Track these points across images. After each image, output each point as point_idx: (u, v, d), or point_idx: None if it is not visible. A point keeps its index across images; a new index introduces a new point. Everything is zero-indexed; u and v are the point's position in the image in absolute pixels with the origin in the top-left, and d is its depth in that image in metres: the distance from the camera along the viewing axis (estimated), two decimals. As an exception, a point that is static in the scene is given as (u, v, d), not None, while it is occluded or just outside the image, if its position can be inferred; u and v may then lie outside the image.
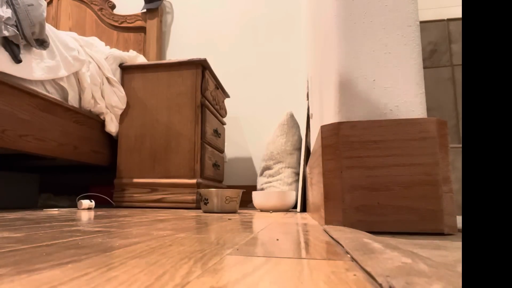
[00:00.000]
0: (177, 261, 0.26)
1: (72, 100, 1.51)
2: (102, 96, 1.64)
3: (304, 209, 1.47)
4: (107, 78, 1.67)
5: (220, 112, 2.00)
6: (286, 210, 1.45)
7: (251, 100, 2.31)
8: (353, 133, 0.57)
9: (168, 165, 1.65)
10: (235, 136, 2.30)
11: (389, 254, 0.28)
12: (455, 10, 1.43)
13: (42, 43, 1.28)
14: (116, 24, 2.45)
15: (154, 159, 1.66)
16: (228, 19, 2.44)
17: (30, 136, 1.27)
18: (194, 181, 1.59)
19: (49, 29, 1.35)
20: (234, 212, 1.24)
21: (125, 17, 2.45)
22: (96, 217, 0.87)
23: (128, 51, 2.34)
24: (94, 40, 1.79)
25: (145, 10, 2.44)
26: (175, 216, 0.89)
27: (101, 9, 2.48)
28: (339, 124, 0.58)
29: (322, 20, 0.82)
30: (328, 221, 0.57)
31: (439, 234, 0.52)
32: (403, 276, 0.20)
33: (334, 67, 0.65)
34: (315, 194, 0.81)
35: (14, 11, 1.16)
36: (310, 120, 1.45)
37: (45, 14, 1.25)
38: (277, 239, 0.41)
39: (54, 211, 1.19)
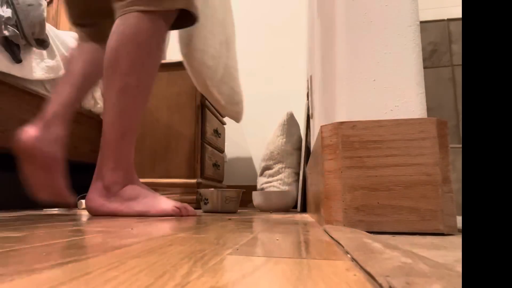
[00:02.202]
0: (177, 261, 0.26)
1: (72, 100, 1.51)
2: (102, 96, 1.64)
3: (304, 209, 1.47)
4: (107, 78, 1.67)
5: (220, 112, 2.00)
6: (286, 210, 1.45)
7: (251, 100, 2.31)
8: (353, 133, 0.57)
9: (168, 165, 1.65)
10: (235, 136, 2.30)
11: (389, 254, 0.28)
12: (455, 10, 1.43)
13: (42, 42, 1.28)
14: (116, 24, 2.44)
15: (154, 159, 1.66)
16: None
17: (30, 136, 1.27)
18: (194, 181, 1.59)
19: (49, 29, 1.35)
20: (234, 212, 1.24)
21: (125, 17, 2.44)
22: (96, 217, 0.87)
23: (128, 51, 2.33)
24: (94, 40, 1.78)
25: (145, 10, 2.44)
26: (175, 216, 0.89)
27: (101, 9, 2.48)
28: (339, 124, 0.58)
29: (322, 20, 0.82)
30: (328, 221, 0.57)
31: (439, 234, 0.52)
32: (403, 276, 0.20)
33: (334, 67, 0.65)
34: (315, 194, 0.81)
35: (14, 11, 1.16)
36: (310, 120, 1.45)
37: (45, 14, 1.25)
38: (277, 239, 0.41)
39: (54, 211, 1.19)
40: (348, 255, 0.30)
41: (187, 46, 1.14)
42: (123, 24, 0.86)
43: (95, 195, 0.90)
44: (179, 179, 1.61)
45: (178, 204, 0.91)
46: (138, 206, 0.88)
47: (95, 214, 0.91)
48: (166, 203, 0.90)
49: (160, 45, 0.93)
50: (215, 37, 1.20)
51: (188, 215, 0.91)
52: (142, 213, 0.87)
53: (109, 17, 0.97)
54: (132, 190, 0.90)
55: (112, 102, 0.88)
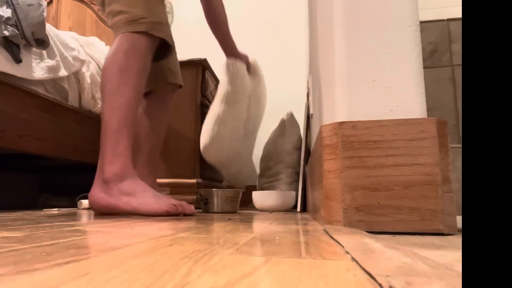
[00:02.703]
0: (177, 261, 0.26)
1: (72, 100, 1.51)
2: (102, 96, 1.63)
3: (304, 209, 1.47)
4: (107, 78, 1.67)
5: (220, 112, 2.00)
6: (286, 210, 1.45)
7: (251, 100, 2.31)
8: (353, 133, 0.57)
9: (168, 165, 1.65)
10: (235, 136, 2.30)
11: (389, 254, 0.28)
12: (455, 10, 1.43)
13: (42, 42, 1.28)
14: (116, 24, 2.44)
15: (154, 159, 1.66)
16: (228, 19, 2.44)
17: (30, 136, 1.27)
18: (194, 181, 1.59)
19: (49, 29, 1.35)
20: (234, 212, 1.24)
21: (125, 17, 2.44)
22: (96, 217, 0.87)
23: (128, 51, 2.33)
24: (94, 40, 1.78)
25: (145, 10, 2.44)
26: (175, 216, 0.89)
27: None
28: (339, 124, 0.58)
29: (322, 20, 0.82)
30: (328, 221, 0.57)
31: (439, 234, 0.52)
32: (403, 276, 0.20)
33: (333, 67, 0.65)
34: (315, 194, 0.81)
35: (14, 11, 1.16)
36: (310, 120, 1.45)
37: (45, 14, 1.25)
38: (277, 239, 0.41)
39: (54, 211, 1.19)
40: (348, 255, 0.30)
41: (207, 146, 1.37)
42: (115, 42, 1.06)
43: (97, 190, 0.97)
44: (179, 179, 1.61)
45: (175, 201, 0.92)
46: (135, 202, 0.91)
47: (97, 208, 0.96)
48: (163, 200, 0.91)
49: (146, 54, 1.06)
50: (231, 137, 1.41)
51: (185, 212, 0.92)
52: (138, 210, 0.89)
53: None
54: (129, 185, 0.94)
55: (106, 101, 1.01)
